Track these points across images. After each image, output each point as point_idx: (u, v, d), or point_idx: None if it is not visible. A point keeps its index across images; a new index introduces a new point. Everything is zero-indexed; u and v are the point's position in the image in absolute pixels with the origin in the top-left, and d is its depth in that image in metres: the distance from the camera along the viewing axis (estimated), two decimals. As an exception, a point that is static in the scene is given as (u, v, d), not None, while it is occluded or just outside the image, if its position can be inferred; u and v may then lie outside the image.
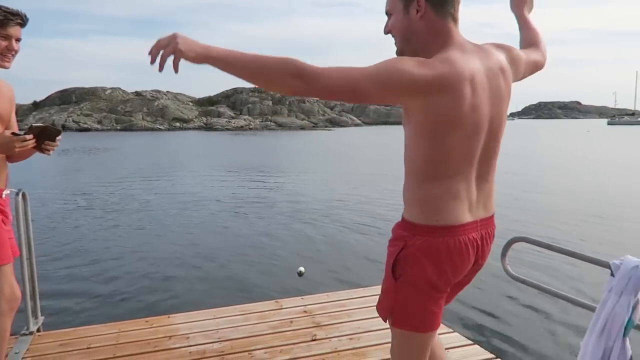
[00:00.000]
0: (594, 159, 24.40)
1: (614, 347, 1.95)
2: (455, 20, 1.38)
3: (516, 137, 46.09)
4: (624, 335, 1.97)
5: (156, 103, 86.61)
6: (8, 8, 2.18)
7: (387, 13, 1.42)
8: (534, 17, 1.81)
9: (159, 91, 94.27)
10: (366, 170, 19.10)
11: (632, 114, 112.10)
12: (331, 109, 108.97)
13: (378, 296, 1.57)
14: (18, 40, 2.19)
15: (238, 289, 5.50)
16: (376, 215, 9.91)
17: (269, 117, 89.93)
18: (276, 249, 7.38)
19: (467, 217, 1.42)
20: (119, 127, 75.27)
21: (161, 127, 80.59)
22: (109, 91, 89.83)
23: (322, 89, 1.24)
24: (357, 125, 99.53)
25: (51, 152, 2.18)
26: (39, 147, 2.14)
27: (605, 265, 2.10)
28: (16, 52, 2.21)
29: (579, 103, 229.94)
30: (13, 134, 2.11)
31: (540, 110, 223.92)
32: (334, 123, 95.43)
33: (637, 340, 2.12)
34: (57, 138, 2.16)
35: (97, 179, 15.83)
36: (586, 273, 5.61)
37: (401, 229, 1.46)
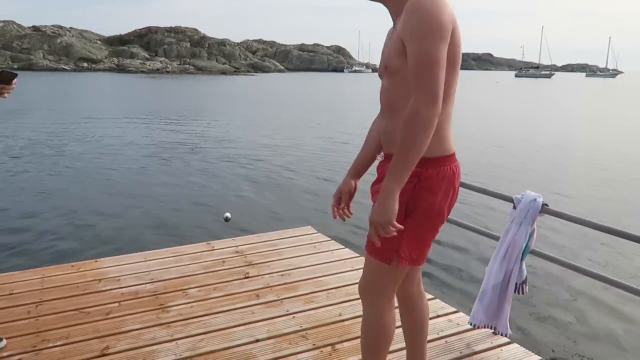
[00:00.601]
0: (500, 108, 26.13)
1: (513, 269, 2.26)
2: None
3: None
4: (522, 259, 2.28)
5: (59, 40, 79.05)
6: None
7: None
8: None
9: (61, 27, 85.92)
10: (289, 115, 19.10)
11: (537, 67, 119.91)
12: (253, 54, 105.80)
13: (307, 235, 1.69)
14: None
15: (167, 234, 5.47)
16: (300, 159, 10.10)
17: (188, 60, 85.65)
18: (204, 194, 7.34)
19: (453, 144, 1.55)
20: (15, 66, 68.22)
21: (66, 67, 74.14)
22: (0, 24, 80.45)
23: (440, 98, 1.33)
24: (280, 71, 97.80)
25: (7, 95, 2.17)
26: None
27: (509, 199, 2.39)
28: None
29: (491, 55, 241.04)
30: None
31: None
32: (256, 68, 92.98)
33: (530, 263, 2.44)
34: (13, 81, 2.14)
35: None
36: (495, 207, 6.23)
37: None
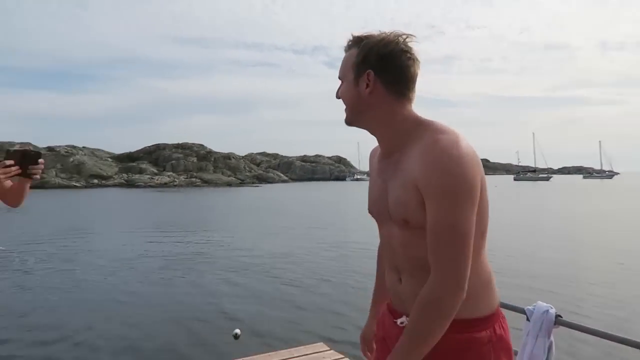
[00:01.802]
0: (502, 211, 26.37)
1: (535, 385, 2.21)
2: (410, 101, 1.28)
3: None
4: (543, 374, 2.23)
5: (71, 159, 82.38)
6: None
7: (340, 78, 1.33)
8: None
9: (74, 147, 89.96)
10: (298, 224, 19.27)
11: (534, 170, 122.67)
12: (257, 165, 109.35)
13: (319, 353, 1.69)
14: None
15: (175, 352, 5.31)
16: (310, 269, 10.03)
17: (194, 174, 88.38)
18: (212, 309, 7.20)
19: None
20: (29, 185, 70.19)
21: (77, 184, 76.35)
22: (17, 146, 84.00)
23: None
24: (284, 181, 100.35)
25: (38, 176, 2.13)
26: (25, 173, 2.09)
27: (521, 311, 2.40)
28: None
29: (488, 161, 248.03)
30: None
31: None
32: (261, 179, 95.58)
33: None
34: (39, 160, 2.12)
35: (11, 241, 14.67)
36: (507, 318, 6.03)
37: (474, 331, 1.25)
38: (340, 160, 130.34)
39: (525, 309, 2.32)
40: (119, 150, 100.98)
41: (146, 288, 8.69)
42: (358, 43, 1.28)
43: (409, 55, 1.25)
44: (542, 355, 2.20)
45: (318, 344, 3.77)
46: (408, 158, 1.21)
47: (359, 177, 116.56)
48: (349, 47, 1.31)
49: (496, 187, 64.53)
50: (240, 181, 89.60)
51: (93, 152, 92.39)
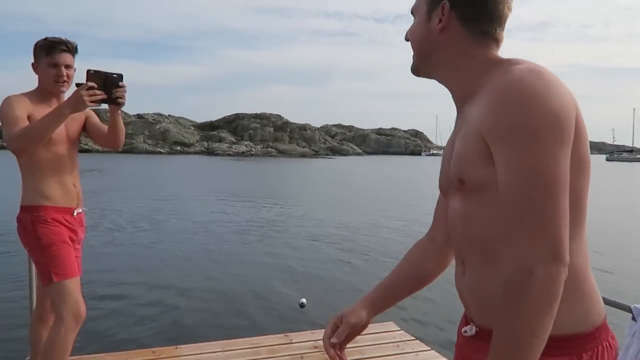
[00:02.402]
0: (594, 195, 24.42)
1: (638, 395, 1.93)
2: (497, 42, 1.00)
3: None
4: (649, 382, 1.94)
5: (158, 126, 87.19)
6: (53, 37, 2.28)
7: (412, 12, 1.09)
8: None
9: (160, 114, 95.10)
10: (372, 198, 19.14)
11: (631, 150, 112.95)
12: (332, 137, 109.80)
13: (389, 333, 1.44)
14: (68, 67, 2.27)
15: (245, 318, 5.43)
16: (382, 243, 9.91)
17: (270, 144, 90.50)
18: (283, 276, 7.31)
19: None
20: (119, 150, 75.52)
21: (162, 150, 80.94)
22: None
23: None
24: (357, 154, 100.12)
25: (124, 100, 2.07)
26: (110, 98, 2.03)
27: (627, 309, 2.09)
28: (69, 77, 2.29)
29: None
30: (76, 84, 2.09)
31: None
32: (335, 151, 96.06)
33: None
34: (121, 83, 2.06)
35: (102, 203, 15.84)
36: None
37: (544, 354, 0.82)
38: (416, 134, 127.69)
39: (632, 307, 2.02)
40: (201, 118, 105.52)
41: (219, 252, 9.00)
42: None
43: None
44: (650, 361, 1.90)
45: (388, 322, 3.62)
46: (475, 105, 0.92)
47: (435, 152, 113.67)
48: None
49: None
50: (314, 152, 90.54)
51: (177, 120, 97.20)
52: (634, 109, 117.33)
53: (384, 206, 16.49)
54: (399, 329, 3.49)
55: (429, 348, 3.19)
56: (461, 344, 1.06)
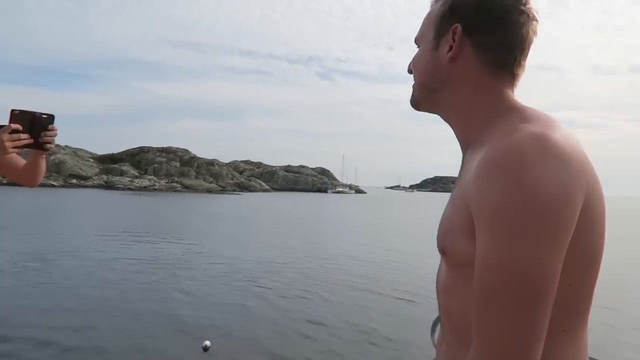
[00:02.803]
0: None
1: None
2: (514, 79, 0.86)
3: (429, 207, 48.86)
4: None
5: (52, 157, 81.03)
6: None
7: (416, 42, 0.95)
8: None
9: (56, 145, 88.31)
10: (276, 232, 19.27)
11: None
12: (240, 173, 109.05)
13: None
14: None
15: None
16: (295, 279, 9.98)
17: (175, 179, 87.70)
18: (184, 317, 7.13)
19: None
20: (4, 182, 68.98)
21: (55, 183, 75.06)
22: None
23: None
24: (265, 190, 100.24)
25: (52, 146, 1.73)
26: (36, 143, 1.69)
27: None
28: None
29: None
30: None
31: (436, 184, 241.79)
32: (242, 187, 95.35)
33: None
34: (51, 126, 1.70)
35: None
36: None
37: None
38: (323, 171, 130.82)
39: None
40: (103, 150, 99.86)
41: (117, 293, 8.66)
42: None
43: (522, 8, 0.82)
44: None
45: None
46: (476, 159, 0.77)
47: (340, 189, 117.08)
48: (436, 0, 0.92)
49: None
50: (221, 188, 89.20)
51: (75, 152, 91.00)
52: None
53: (288, 243, 16.75)
54: None
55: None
56: None
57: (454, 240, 0.80)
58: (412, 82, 0.94)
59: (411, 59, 0.95)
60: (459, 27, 0.84)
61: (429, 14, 0.92)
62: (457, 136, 0.90)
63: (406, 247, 16.83)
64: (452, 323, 0.84)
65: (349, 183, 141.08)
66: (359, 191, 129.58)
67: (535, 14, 0.84)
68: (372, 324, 7.08)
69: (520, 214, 0.66)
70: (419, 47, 0.94)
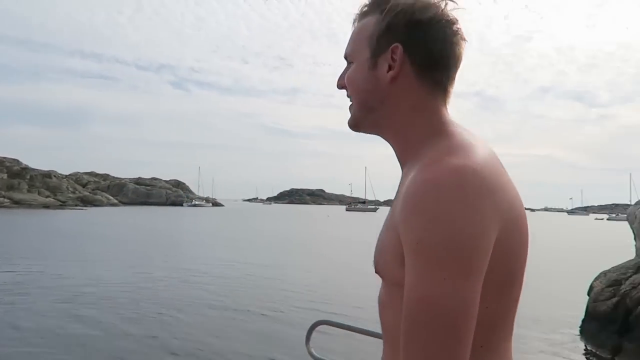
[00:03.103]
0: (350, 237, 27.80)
1: None
2: (446, 96, 0.89)
3: (280, 221, 49.41)
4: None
5: None
6: None
7: (346, 58, 0.94)
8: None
9: None
10: (127, 251, 17.55)
11: (364, 202, 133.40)
12: (83, 186, 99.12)
13: None
14: None
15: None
16: (146, 298, 9.09)
17: (3, 193, 76.23)
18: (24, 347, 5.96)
19: None
20: None
21: None
22: None
23: None
24: (113, 205, 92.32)
25: None
26: None
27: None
28: None
29: (323, 191, 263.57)
30: None
31: (293, 196, 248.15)
32: (86, 202, 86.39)
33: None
34: None
35: None
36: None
37: None
38: (178, 184, 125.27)
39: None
40: None
41: None
42: (380, 5, 0.87)
43: (455, 28, 0.85)
44: None
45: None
46: (404, 185, 0.81)
47: (197, 202, 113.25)
48: (363, 15, 0.90)
49: (328, 217, 68.35)
50: (61, 203, 79.83)
51: None
52: (366, 167, 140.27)
53: (138, 261, 15.37)
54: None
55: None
56: None
57: (386, 264, 0.82)
58: (350, 104, 0.94)
59: (340, 74, 0.94)
60: (399, 47, 0.84)
61: (359, 31, 0.90)
62: (396, 154, 0.91)
63: (267, 260, 16.63)
64: (387, 335, 0.87)
65: (205, 196, 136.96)
66: (216, 204, 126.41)
67: (464, 35, 0.87)
68: (232, 343, 6.82)
69: (437, 250, 0.70)
70: (348, 62, 0.93)
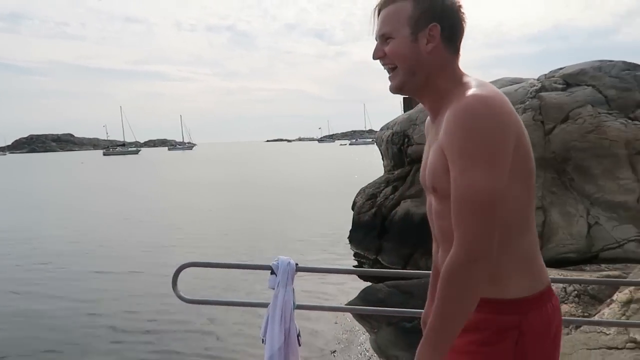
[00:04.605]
0: (114, 185, 25.81)
1: (290, 327, 2.52)
2: (459, 56, 1.21)
3: (17, 174, 42.43)
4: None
5: None
6: None
7: (381, 36, 1.21)
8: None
9: None
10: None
11: (123, 144, 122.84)
12: None
13: None
14: None
15: None
16: None
17: None
18: None
19: None
20: None
21: None
22: None
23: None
24: None
25: None
26: None
27: (267, 268, 2.64)
28: None
29: (72, 135, 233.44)
30: None
31: (34, 144, 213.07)
32: None
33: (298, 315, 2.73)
34: None
35: None
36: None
37: (498, 313, 1.12)
38: None
39: (271, 264, 2.58)
40: None
41: None
42: None
43: (463, 10, 1.19)
44: (292, 299, 2.54)
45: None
46: (443, 121, 1.12)
47: None
48: (392, 1, 1.19)
49: (83, 164, 60.60)
50: None
51: None
52: (121, 107, 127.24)
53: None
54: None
55: None
56: None
57: (440, 180, 1.12)
58: (391, 72, 1.22)
59: (375, 49, 1.22)
60: (437, 26, 1.15)
61: (395, 12, 1.18)
62: (428, 107, 1.25)
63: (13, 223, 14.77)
64: (445, 237, 1.18)
65: None
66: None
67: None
68: None
69: (474, 152, 1.03)
70: (384, 40, 1.20)
